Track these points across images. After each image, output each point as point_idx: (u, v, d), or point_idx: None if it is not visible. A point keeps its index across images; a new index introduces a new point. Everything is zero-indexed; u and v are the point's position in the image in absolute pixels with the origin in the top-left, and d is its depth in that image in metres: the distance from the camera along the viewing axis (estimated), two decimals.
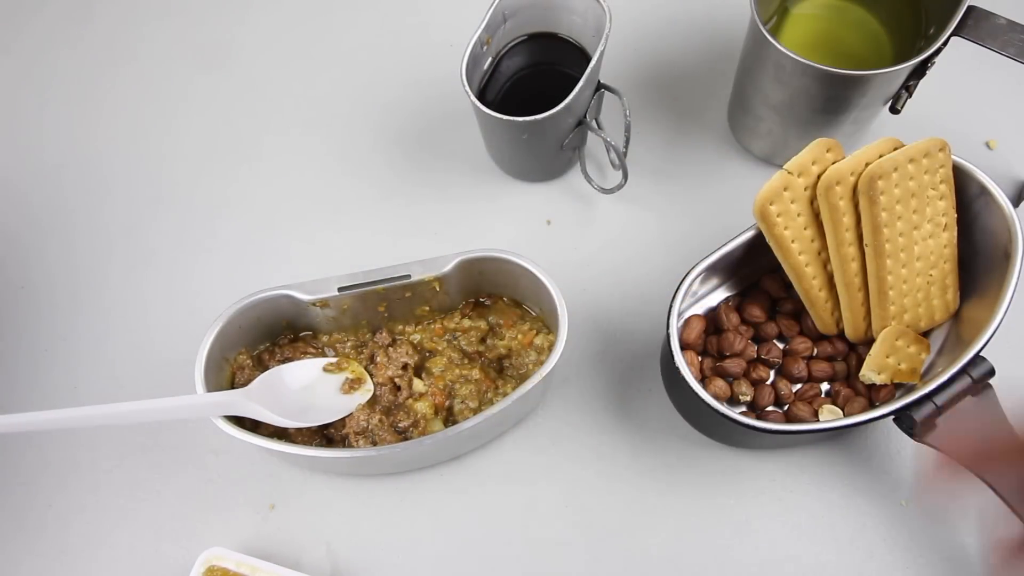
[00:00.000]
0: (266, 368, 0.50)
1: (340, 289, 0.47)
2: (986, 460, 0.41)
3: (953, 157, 0.44)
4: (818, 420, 0.47)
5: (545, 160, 0.56)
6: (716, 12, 0.63)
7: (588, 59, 0.51)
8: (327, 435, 0.49)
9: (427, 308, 0.51)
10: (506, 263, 0.48)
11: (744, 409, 0.49)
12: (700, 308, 0.51)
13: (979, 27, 0.45)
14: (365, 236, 0.58)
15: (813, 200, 0.44)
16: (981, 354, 0.43)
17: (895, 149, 0.43)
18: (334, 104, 0.63)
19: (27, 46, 0.67)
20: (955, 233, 0.45)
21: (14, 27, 0.67)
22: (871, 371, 0.46)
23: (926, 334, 0.48)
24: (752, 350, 0.49)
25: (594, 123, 0.55)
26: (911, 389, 0.44)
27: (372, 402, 0.49)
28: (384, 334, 0.51)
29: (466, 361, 0.51)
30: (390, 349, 0.50)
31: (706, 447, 0.51)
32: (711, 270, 0.46)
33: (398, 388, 0.50)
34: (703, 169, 0.59)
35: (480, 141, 0.59)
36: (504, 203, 0.59)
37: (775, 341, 0.50)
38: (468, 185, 0.59)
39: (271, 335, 0.51)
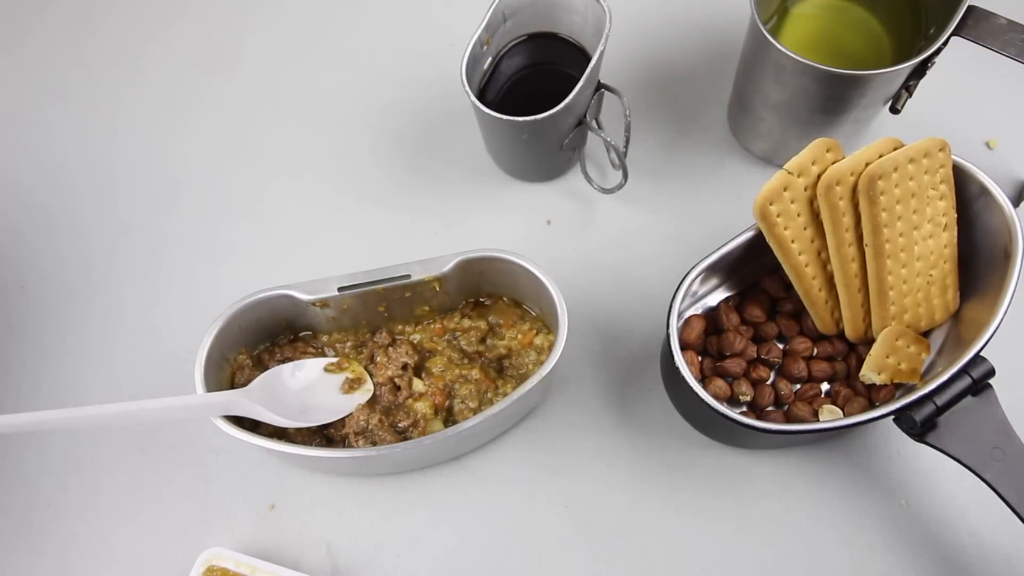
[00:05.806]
0: (266, 368, 0.50)
1: (340, 289, 0.47)
2: None
3: (953, 157, 0.44)
4: (818, 420, 0.47)
5: (545, 160, 0.56)
6: (716, 12, 0.63)
7: (588, 59, 0.51)
8: (327, 435, 0.49)
9: (427, 308, 0.51)
10: (506, 263, 0.48)
11: (744, 409, 0.49)
12: (700, 308, 0.51)
13: (979, 27, 0.45)
14: (365, 236, 0.58)
15: (813, 200, 0.44)
16: (981, 354, 0.43)
17: (895, 149, 0.43)
18: (334, 104, 0.63)
19: (32, 44, 0.67)
20: (955, 233, 0.45)
21: (19, 25, 0.67)
22: (871, 371, 0.46)
23: (926, 334, 0.48)
24: (752, 350, 0.49)
25: (594, 123, 0.55)
26: (911, 389, 0.44)
27: (372, 402, 0.49)
28: (384, 334, 0.51)
29: (466, 361, 0.50)
30: (390, 349, 0.50)
31: (706, 447, 0.51)
32: (711, 270, 0.46)
33: (398, 388, 0.50)
34: (703, 169, 0.58)
35: (480, 141, 0.59)
36: (504, 203, 0.59)
37: (775, 341, 0.50)
38: (468, 185, 0.59)
39: (271, 335, 0.51)
